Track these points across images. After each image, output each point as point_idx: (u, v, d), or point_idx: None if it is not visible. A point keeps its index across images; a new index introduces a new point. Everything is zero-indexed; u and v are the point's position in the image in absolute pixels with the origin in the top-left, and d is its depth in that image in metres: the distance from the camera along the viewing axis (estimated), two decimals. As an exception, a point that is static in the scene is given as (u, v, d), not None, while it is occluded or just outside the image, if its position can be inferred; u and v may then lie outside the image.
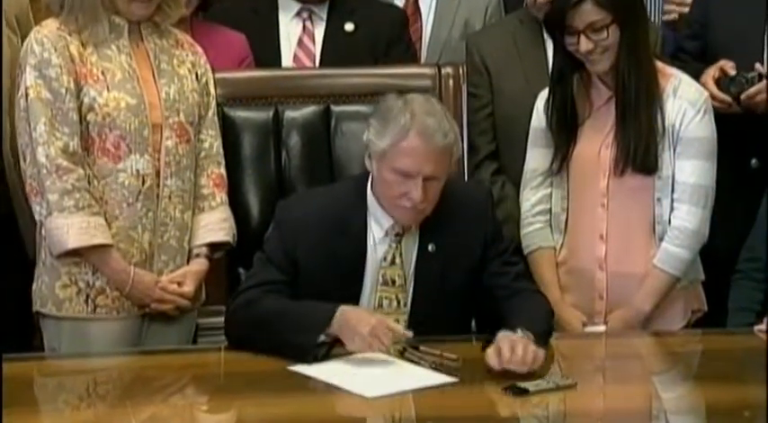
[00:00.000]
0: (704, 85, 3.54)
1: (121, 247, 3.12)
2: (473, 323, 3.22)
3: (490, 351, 2.78)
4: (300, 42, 3.85)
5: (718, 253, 3.43)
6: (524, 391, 2.68)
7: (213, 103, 3.30)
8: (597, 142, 3.33)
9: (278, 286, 3.01)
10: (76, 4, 3.10)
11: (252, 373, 2.86)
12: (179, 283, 3.18)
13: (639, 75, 3.26)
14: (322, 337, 2.87)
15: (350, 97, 3.54)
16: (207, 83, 3.28)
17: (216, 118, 3.31)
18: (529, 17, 3.73)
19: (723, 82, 3.61)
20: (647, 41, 3.32)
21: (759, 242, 3.28)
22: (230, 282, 3.39)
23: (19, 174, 3.18)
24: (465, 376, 2.77)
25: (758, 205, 3.35)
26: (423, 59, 3.95)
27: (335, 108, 3.54)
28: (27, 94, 3.07)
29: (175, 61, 3.22)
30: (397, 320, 3.01)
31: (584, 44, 3.23)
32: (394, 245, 3.05)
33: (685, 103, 3.30)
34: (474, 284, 3.08)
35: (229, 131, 3.46)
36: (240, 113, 3.51)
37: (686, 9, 3.95)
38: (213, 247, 3.26)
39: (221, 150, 3.31)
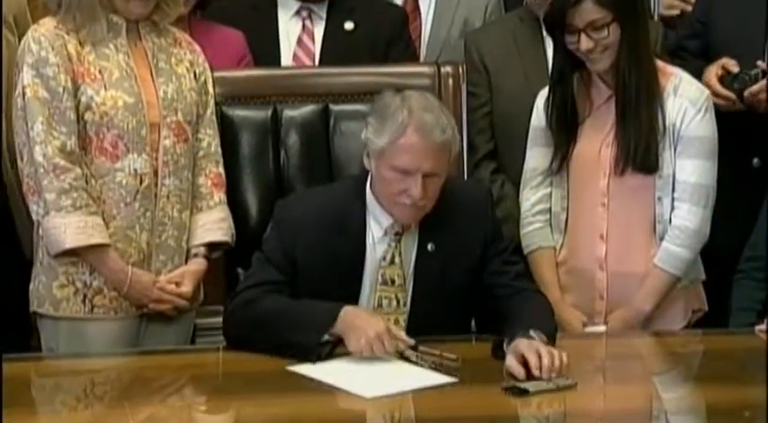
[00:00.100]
0: (707, 83, 3.54)
1: (119, 246, 3.12)
2: (473, 323, 3.21)
3: (513, 361, 2.76)
4: (300, 41, 3.85)
5: (719, 252, 3.42)
6: (524, 392, 2.68)
7: (211, 102, 3.29)
8: (597, 141, 3.33)
9: (277, 286, 3.00)
10: (74, 3, 3.09)
11: (250, 374, 2.85)
12: (177, 284, 3.17)
13: (640, 73, 3.26)
14: (326, 337, 2.87)
15: (349, 96, 3.53)
16: (205, 82, 3.27)
17: (214, 117, 3.31)
18: (529, 15, 3.73)
19: (726, 79, 3.61)
20: (648, 40, 3.32)
21: (761, 241, 3.28)
22: (229, 282, 3.39)
23: (16, 173, 3.18)
24: (465, 376, 2.76)
25: (760, 204, 3.35)
26: (422, 58, 3.95)
27: (334, 107, 3.54)
28: (24, 93, 3.06)
29: (173, 60, 3.22)
30: (397, 320, 3.02)
31: (585, 43, 3.23)
32: (393, 244, 3.04)
33: (686, 101, 3.30)
34: (474, 284, 3.07)
35: (228, 130, 3.45)
36: (238, 112, 3.51)
37: (689, 7, 3.94)
38: (211, 246, 3.25)
39: (219, 150, 3.30)
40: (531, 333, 2.81)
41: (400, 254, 3.04)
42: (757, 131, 3.63)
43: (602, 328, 3.32)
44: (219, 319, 3.05)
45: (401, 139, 2.93)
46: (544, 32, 3.59)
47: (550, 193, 3.41)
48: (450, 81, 3.56)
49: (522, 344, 2.78)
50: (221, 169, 3.29)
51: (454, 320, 3.09)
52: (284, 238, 3.04)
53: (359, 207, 3.04)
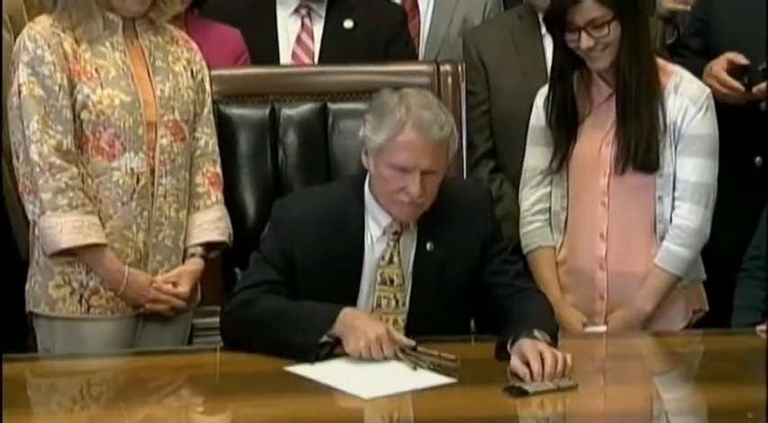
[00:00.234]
0: (714, 73, 3.55)
1: (116, 246, 3.10)
2: (472, 323, 3.20)
3: (517, 362, 2.75)
4: (299, 39, 3.84)
5: (720, 252, 3.42)
6: (524, 393, 2.66)
7: (209, 101, 3.28)
8: (597, 140, 3.32)
9: (274, 286, 3.00)
10: (70, 1, 3.08)
11: (248, 374, 2.84)
12: (174, 284, 3.16)
13: (640, 72, 3.25)
14: (324, 338, 2.86)
15: (347, 95, 3.53)
16: (202, 80, 3.26)
17: (211, 116, 3.30)
18: (528, 13, 3.73)
19: (734, 71, 3.59)
20: (648, 38, 3.32)
21: (763, 240, 3.27)
22: (226, 282, 3.38)
23: (11, 172, 3.16)
24: (464, 377, 2.76)
25: (761, 203, 3.35)
26: (421, 57, 3.94)
27: (332, 106, 3.53)
28: (20, 92, 3.05)
29: (170, 58, 3.20)
30: (396, 320, 3.01)
31: (585, 41, 3.22)
32: (392, 243, 3.03)
33: (687, 100, 3.29)
34: (473, 284, 3.06)
35: (225, 129, 3.44)
36: (236, 111, 3.50)
37: (688, 7, 3.93)
38: (209, 246, 3.24)
39: (217, 149, 3.29)
40: (536, 333, 2.80)
41: (399, 253, 3.03)
42: (760, 130, 3.62)
43: (602, 329, 3.32)
44: (217, 320, 3.04)
45: (399, 137, 2.92)
46: (543, 30, 3.59)
47: (550, 192, 3.41)
48: (450, 79, 3.56)
49: (525, 345, 2.77)
50: (219, 168, 3.27)
51: (453, 320, 3.09)
52: (282, 237, 3.03)
53: (357, 206, 3.03)
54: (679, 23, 3.98)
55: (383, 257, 3.03)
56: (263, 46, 3.79)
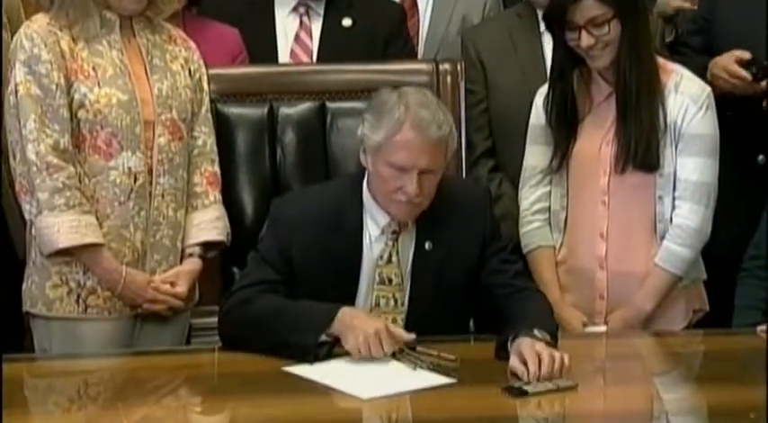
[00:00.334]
0: (722, 65, 3.56)
1: (113, 246, 3.09)
2: (471, 323, 3.19)
3: (516, 361, 2.74)
4: (297, 38, 3.84)
5: (720, 252, 3.42)
6: (524, 393, 2.66)
7: (206, 100, 3.28)
8: (597, 139, 3.31)
9: (273, 286, 2.99)
10: (67, 0, 3.06)
11: (246, 374, 2.84)
12: (172, 283, 3.16)
13: (640, 70, 3.24)
14: (323, 337, 2.85)
15: (345, 93, 3.52)
16: (200, 79, 3.26)
17: (209, 115, 3.29)
18: (527, 11, 3.72)
19: (741, 64, 3.60)
20: (649, 36, 3.32)
21: (764, 239, 3.27)
22: (224, 281, 3.38)
23: (8, 171, 3.15)
24: (463, 377, 2.75)
25: (763, 202, 3.35)
26: (420, 55, 3.94)
27: (331, 104, 3.52)
28: (17, 91, 3.04)
29: (168, 57, 3.20)
30: (395, 320, 3.00)
31: (585, 39, 3.21)
32: (390, 243, 3.03)
33: (687, 99, 3.29)
34: (472, 283, 3.05)
35: (223, 128, 3.43)
36: (234, 110, 3.49)
37: (695, 6, 3.93)
38: (207, 246, 3.23)
39: (215, 148, 3.28)
40: (536, 332, 2.79)
41: (397, 253, 3.03)
42: (762, 129, 3.62)
43: (602, 329, 3.31)
44: (215, 320, 3.03)
45: (397, 136, 2.91)
46: (541, 29, 3.59)
47: (550, 191, 3.40)
48: (449, 78, 3.55)
49: (524, 344, 2.76)
50: (217, 168, 3.27)
51: (452, 320, 3.08)
52: (280, 236, 3.02)
53: (356, 206, 3.02)
54: (677, 22, 3.98)
55: (381, 257, 3.03)
56: (261, 44, 3.78)
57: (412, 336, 2.85)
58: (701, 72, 3.52)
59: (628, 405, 2.75)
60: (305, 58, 3.80)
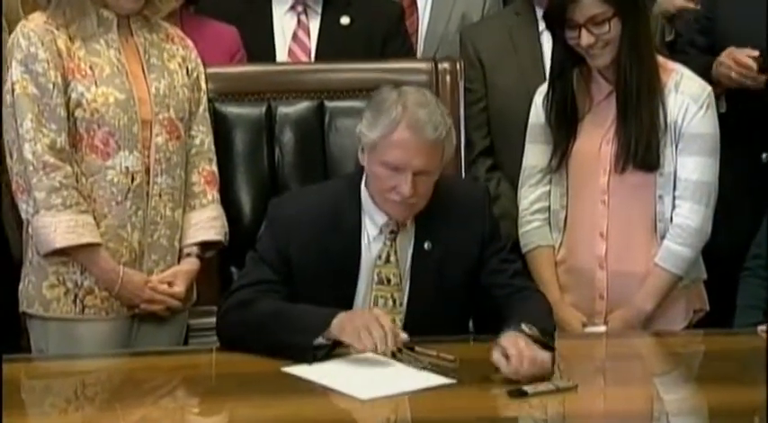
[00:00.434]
0: (729, 54, 3.56)
1: (110, 246, 3.09)
2: (470, 323, 3.19)
3: (497, 354, 2.73)
4: (295, 36, 3.83)
5: (721, 251, 3.41)
6: (523, 394, 2.65)
7: (204, 99, 3.27)
8: (597, 138, 3.30)
9: (271, 286, 2.98)
10: (64, -2, 3.06)
11: (244, 375, 2.83)
12: (169, 283, 3.15)
13: (641, 69, 3.24)
14: (320, 340, 2.84)
15: (344, 92, 3.52)
16: (198, 78, 3.25)
17: (207, 114, 3.28)
18: (526, 10, 3.72)
19: (751, 57, 3.60)
20: (649, 35, 3.31)
21: (766, 239, 3.27)
22: (222, 281, 3.37)
23: (4, 171, 3.14)
24: (462, 378, 2.74)
25: (764, 201, 3.33)
26: (419, 54, 3.94)
27: (329, 104, 3.52)
28: (13, 90, 3.03)
29: (165, 55, 3.19)
30: (393, 320, 2.98)
31: (586, 38, 3.21)
32: (389, 243, 3.02)
33: (687, 98, 3.28)
34: (471, 283, 3.05)
35: (221, 127, 3.42)
36: (232, 109, 3.48)
37: (698, 6, 3.93)
38: (204, 246, 3.23)
39: (212, 147, 3.27)
40: (523, 326, 2.77)
41: (396, 252, 3.02)
42: (766, 127, 3.61)
43: (602, 329, 3.31)
44: (213, 320, 3.03)
45: (393, 135, 2.91)
46: (540, 27, 3.60)
47: (549, 190, 3.39)
48: (448, 77, 3.54)
49: (507, 337, 2.74)
50: (214, 167, 3.26)
51: (451, 320, 3.08)
52: (278, 236, 3.01)
53: (354, 205, 3.02)
54: (676, 22, 3.97)
55: (380, 256, 3.02)
56: (259, 43, 3.78)
57: (405, 336, 2.83)
58: (702, 71, 3.51)
59: (628, 405, 2.74)
60: (303, 57, 3.80)
